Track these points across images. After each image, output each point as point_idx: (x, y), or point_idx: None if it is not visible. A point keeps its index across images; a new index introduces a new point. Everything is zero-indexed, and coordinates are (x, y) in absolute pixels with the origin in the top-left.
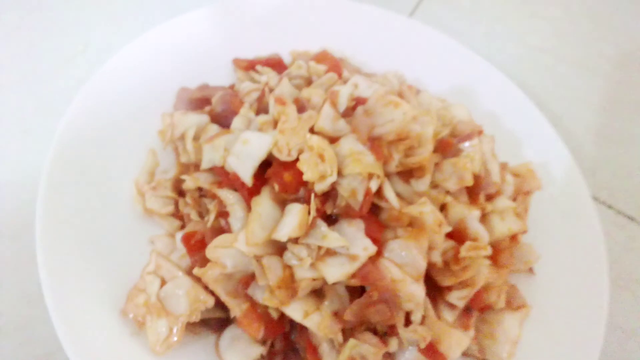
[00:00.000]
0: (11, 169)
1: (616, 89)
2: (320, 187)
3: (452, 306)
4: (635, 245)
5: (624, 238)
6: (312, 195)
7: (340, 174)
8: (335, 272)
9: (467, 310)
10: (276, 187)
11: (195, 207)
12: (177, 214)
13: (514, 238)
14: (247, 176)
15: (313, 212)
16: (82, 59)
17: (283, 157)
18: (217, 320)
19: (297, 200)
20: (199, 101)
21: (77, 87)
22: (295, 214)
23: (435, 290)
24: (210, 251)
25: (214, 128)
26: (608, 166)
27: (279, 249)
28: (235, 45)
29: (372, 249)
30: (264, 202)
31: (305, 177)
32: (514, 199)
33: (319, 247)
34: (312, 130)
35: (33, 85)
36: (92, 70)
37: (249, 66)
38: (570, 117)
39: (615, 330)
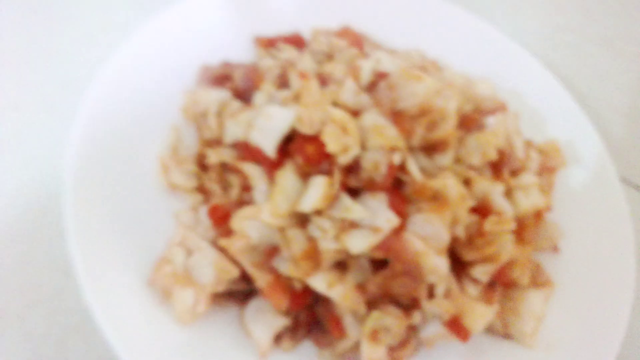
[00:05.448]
0: (34, 145)
1: None
2: (344, 159)
3: (475, 281)
4: None
5: None
6: (336, 168)
7: (363, 147)
8: (359, 243)
9: (491, 285)
10: (299, 160)
11: (219, 182)
12: (200, 189)
13: (538, 214)
14: (270, 150)
15: (337, 185)
16: (103, 37)
17: (306, 130)
18: (241, 293)
19: (320, 173)
20: (221, 78)
21: (98, 66)
22: (319, 186)
23: (459, 265)
24: (236, 222)
25: (236, 104)
26: (636, 147)
27: (303, 221)
28: (254, 24)
29: (395, 221)
30: (287, 175)
31: (328, 149)
32: (539, 176)
33: (343, 220)
34: (334, 104)
35: (53, 63)
36: (112, 50)
37: (270, 43)
38: (596, 97)
39: None
